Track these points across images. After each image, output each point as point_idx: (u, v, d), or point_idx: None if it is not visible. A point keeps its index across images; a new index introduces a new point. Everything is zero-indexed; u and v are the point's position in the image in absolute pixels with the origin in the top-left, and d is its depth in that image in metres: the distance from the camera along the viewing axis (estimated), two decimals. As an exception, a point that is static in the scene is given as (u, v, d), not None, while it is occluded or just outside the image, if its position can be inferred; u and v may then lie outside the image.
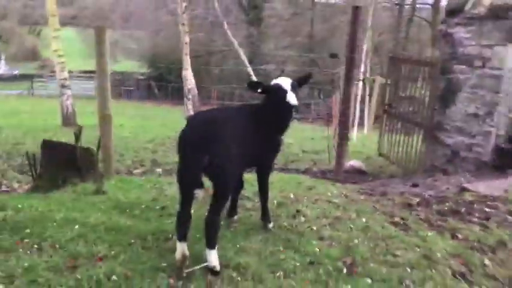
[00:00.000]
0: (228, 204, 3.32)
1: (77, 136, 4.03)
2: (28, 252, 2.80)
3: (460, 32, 6.66)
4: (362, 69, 16.53)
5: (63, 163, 4.04)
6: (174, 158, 8.86)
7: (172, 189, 4.01)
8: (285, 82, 3.21)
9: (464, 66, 6.63)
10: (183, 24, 14.37)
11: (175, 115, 19.80)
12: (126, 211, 3.43)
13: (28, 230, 3.04)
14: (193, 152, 2.66)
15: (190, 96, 14.80)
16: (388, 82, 8.68)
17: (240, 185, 3.49)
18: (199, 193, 2.66)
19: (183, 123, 2.87)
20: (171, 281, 2.58)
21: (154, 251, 2.90)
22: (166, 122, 15.75)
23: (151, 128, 13.39)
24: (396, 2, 27.47)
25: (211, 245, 2.74)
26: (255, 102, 3.62)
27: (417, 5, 29.73)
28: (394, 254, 3.02)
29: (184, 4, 14.01)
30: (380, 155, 8.56)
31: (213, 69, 31.72)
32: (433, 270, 2.85)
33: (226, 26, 19.00)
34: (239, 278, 2.65)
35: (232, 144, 2.78)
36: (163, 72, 33.83)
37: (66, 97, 12.46)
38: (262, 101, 3.33)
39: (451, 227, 3.67)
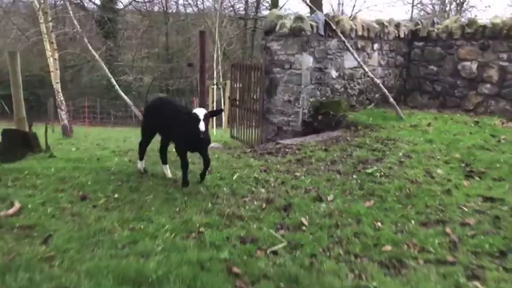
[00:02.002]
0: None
1: (30, 125, 6.23)
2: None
3: (275, 45, 10.03)
4: (215, 75, 19.75)
5: (19, 143, 6.15)
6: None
7: (99, 152, 6.48)
8: (200, 112, 4.73)
9: (279, 69, 10.01)
10: (52, 42, 15.99)
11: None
12: (76, 162, 5.82)
13: (26, 172, 5.30)
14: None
15: (63, 107, 16.45)
16: (235, 84, 11.82)
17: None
18: None
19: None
20: (123, 183, 5.15)
21: (105, 174, 5.41)
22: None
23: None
24: (240, 17, 31.61)
25: (162, 162, 5.45)
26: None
27: (258, 18, 34.41)
28: (232, 166, 5.98)
29: (51, 24, 15.65)
30: (232, 137, 11.68)
31: (69, 83, 32.50)
32: (251, 169, 5.85)
33: (86, 40, 20.68)
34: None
35: (148, 120, 5.45)
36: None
37: None
38: (187, 118, 4.88)
39: (265, 158, 6.75)
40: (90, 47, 21.42)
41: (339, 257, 3.67)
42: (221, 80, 20.57)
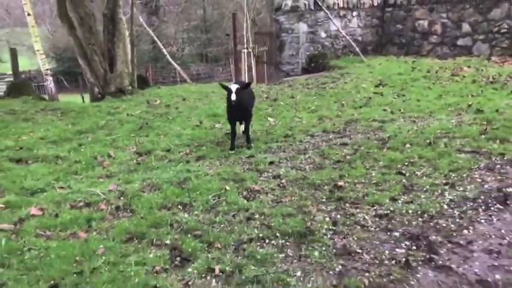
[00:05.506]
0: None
1: (146, 71, 12.30)
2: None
3: (282, 18, 15.65)
4: (245, 40, 25.37)
5: (140, 81, 12.28)
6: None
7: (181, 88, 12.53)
8: (234, 87, 6.31)
9: (285, 33, 15.65)
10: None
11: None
12: (173, 89, 11.86)
13: (152, 92, 11.38)
14: None
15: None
16: (260, 47, 17.57)
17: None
18: None
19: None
20: (201, 95, 11.13)
21: (189, 92, 11.40)
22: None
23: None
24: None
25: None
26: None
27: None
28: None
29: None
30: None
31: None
32: (260, 89, 11.70)
33: (141, 19, 26.81)
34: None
35: None
36: (71, 65, 39.53)
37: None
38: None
39: (271, 86, 12.59)
40: (145, 25, 27.61)
41: (294, 111, 9.48)
42: (251, 44, 26.27)
